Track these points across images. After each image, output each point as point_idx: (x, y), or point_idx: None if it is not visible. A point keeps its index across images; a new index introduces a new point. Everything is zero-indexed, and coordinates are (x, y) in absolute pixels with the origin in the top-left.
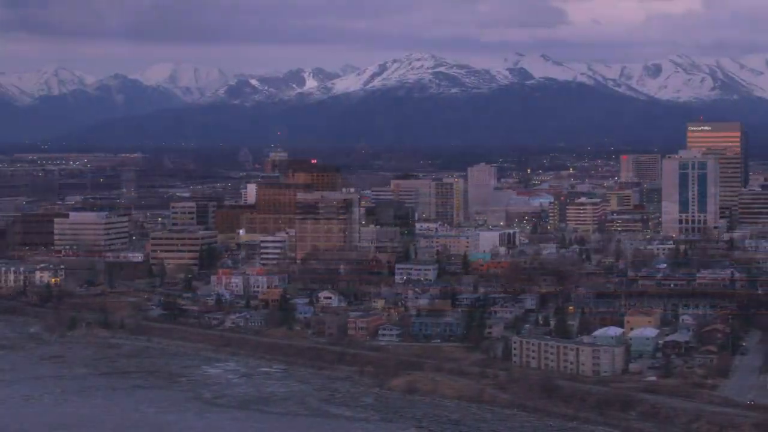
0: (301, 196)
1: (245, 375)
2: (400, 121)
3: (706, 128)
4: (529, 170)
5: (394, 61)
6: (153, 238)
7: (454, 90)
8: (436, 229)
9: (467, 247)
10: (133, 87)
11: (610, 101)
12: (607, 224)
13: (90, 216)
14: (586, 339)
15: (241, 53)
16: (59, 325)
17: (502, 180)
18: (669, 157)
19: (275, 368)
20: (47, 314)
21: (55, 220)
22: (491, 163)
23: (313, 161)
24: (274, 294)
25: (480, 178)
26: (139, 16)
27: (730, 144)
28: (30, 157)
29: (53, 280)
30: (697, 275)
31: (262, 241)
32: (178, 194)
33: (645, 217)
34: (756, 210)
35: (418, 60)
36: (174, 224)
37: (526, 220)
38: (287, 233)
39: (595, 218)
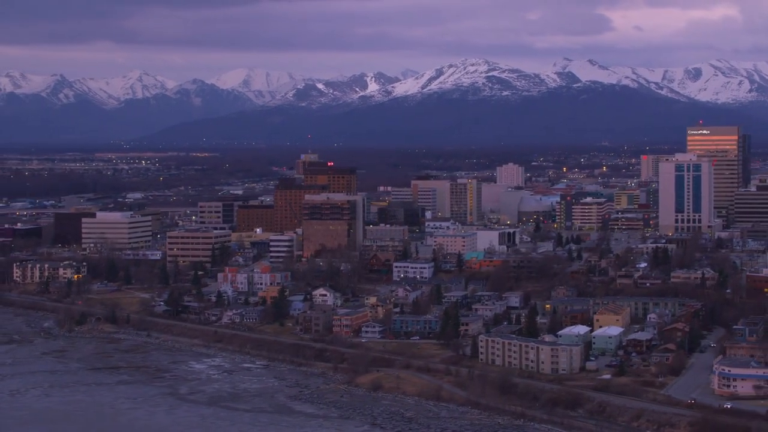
0: (308, 197)
1: (227, 371)
2: (455, 122)
3: (705, 132)
4: (564, 168)
5: (450, 65)
6: (170, 237)
7: (505, 93)
8: (448, 227)
9: (463, 246)
10: (210, 91)
11: (653, 103)
12: (610, 223)
13: (115, 215)
14: (547, 338)
15: (309, 59)
16: (70, 320)
17: (534, 179)
18: (666, 159)
19: (257, 364)
20: (63, 310)
21: (83, 219)
22: (532, 161)
23: (329, 164)
24: (273, 291)
25: (508, 177)
26: (216, 25)
27: (728, 147)
28: (108, 156)
29: (75, 276)
30: (672, 274)
31: (271, 240)
32: (231, 191)
33: (646, 216)
34: (751, 210)
35: (473, 65)
36: (201, 222)
37: (534, 218)
38: (295, 232)
39: (600, 217)
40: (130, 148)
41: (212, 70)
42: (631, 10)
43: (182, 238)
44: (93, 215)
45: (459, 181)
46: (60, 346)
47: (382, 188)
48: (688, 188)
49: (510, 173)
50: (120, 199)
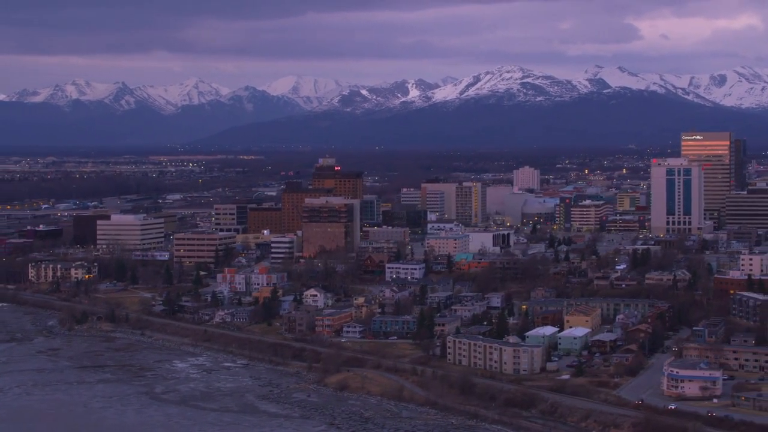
0: (308, 201)
1: (207, 370)
2: (491, 126)
3: (698, 137)
4: (586, 171)
5: (487, 72)
6: (177, 239)
7: (539, 98)
8: (451, 228)
9: (455, 248)
10: (261, 97)
11: (680, 108)
12: (608, 225)
13: (128, 218)
14: (511, 339)
15: (354, 67)
16: (71, 318)
17: (553, 181)
18: (658, 164)
19: (238, 363)
20: (66, 308)
21: (98, 221)
22: (557, 164)
23: (336, 168)
24: (267, 292)
25: (524, 180)
26: (266, 35)
27: (720, 152)
28: (160, 159)
29: (86, 276)
30: (646, 276)
31: (273, 242)
32: (266, 193)
33: (642, 218)
34: (741, 212)
35: (508, 72)
36: (217, 224)
37: (536, 220)
38: (296, 234)
39: (598, 219)
40: (184, 151)
41: (263, 77)
42: (658, 20)
43: (188, 239)
44: (108, 217)
45: (464, 184)
46: (56, 345)
47: (405, 190)
48: (679, 191)
49: (526, 176)
50: (159, 201)
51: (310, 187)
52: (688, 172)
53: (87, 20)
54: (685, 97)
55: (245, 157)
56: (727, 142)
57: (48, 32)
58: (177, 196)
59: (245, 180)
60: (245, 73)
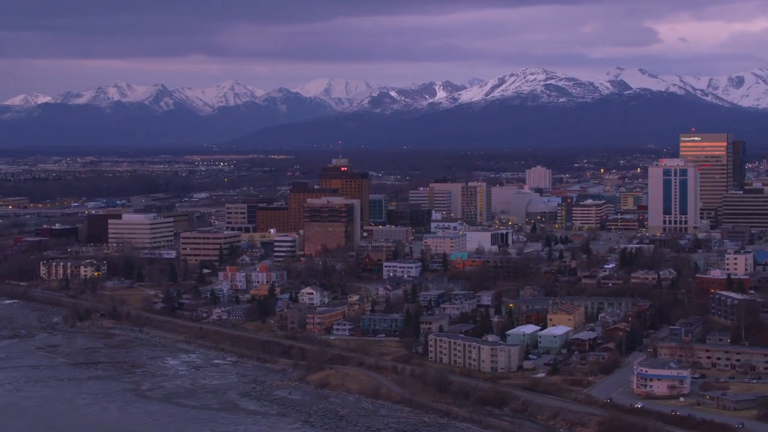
0: (310, 201)
1: (196, 367)
2: (515, 127)
3: (696, 139)
4: (602, 170)
5: (511, 74)
6: (183, 238)
7: (562, 99)
8: (455, 227)
9: (451, 247)
10: (295, 99)
11: (698, 108)
12: (608, 224)
13: (138, 217)
14: (490, 338)
15: (384, 69)
16: (74, 315)
17: (566, 179)
18: (656, 165)
19: (227, 360)
20: (71, 305)
21: (109, 220)
22: (575, 163)
23: (343, 168)
24: (264, 290)
25: (536, 179)
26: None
27: (717, 153)
28: (193, 158)
29: (95, 273)
30: (632, 275)
31: (275, 240)
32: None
33: (641, 217)
34: (738, 211)
35: (532, 74)
36: (228, 222)
37: (538, 219)
38: (298, 233)
39: (598, 218)
40: (219, 151)
41: (296, 79)
42: (677, 23)
43: (194, 238)
44: (119, 217)
45: (470, 184)
46: (56, 341)
47: (421, 188)
48: (675, 191)
49: (538, 175)
50: (186, 199)
51: (317, 187)
52: (684, 172)
53: (128, 25)
54: (704, 98)
55: (275, 157)
56: (725, 143)
57: (91, 37)
58: (203, 195)
59: (271, 179)
60: (279, 76)
